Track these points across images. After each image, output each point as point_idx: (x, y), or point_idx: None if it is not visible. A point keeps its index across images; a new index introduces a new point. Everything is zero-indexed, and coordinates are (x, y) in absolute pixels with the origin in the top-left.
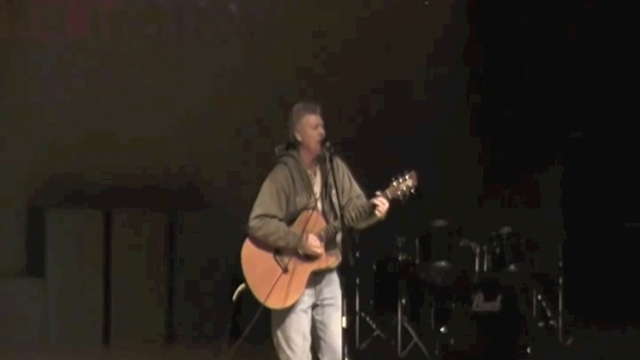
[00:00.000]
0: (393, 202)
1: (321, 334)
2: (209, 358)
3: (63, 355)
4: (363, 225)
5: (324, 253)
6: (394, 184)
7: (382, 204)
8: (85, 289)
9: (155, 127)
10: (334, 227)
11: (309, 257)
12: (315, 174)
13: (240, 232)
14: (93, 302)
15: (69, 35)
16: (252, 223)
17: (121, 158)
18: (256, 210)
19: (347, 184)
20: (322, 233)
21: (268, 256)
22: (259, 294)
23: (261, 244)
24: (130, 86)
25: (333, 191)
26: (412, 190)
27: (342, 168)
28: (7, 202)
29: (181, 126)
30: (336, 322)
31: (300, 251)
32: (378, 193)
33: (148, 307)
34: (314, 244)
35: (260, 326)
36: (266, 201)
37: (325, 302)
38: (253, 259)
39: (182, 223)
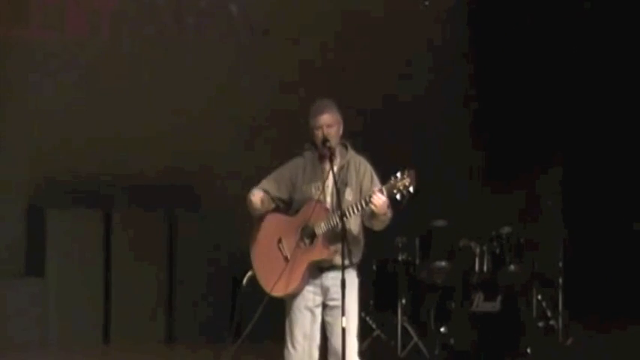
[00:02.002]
0: (392, 200)
1: (328, 334)
2: (209, 359)
3: (63, 355)
4: (375, 225)
5: (323, 245)
6: (392, 181)
7: (378, 198)
8: (85, 289)
9: (155, 126)
10: (334, 220)
11: (308, 247)
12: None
13: (240, 232)
14: (93, 302)
15: (69, 35)
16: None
17: (121, 158)
18: (259, 184)
19: (367, 184)
20: (322, 225)
21: (272, 245)
22: (263, 282)
23: (267, 232)
24: (129, 86)
25: (347, 189)
26: (410, 189)
27: (364, 167)
28: (8, 202)
29: (181, 125)
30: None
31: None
32: (374, 189)
33: (148, 307)
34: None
35: (260, 326)
36: (269, 179)
37: (332, 303)
38: (259, 247)
39: (182, 223)
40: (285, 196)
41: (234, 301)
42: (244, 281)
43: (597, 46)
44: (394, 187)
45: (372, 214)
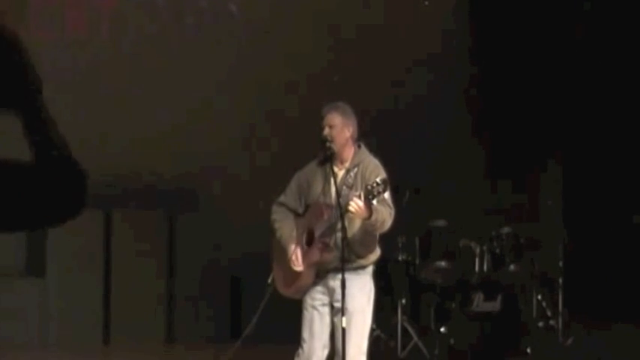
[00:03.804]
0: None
1: (335, 336)
2: (209, 359)
3: (63, 355)
4: (373, 228)
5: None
6: (368, 187)
7: (353, 203)
8: (85, 289)
9: (155, 126)
10: (330, 222)
11: (308, 249)
12: (340, 171)
13: (240, 232)
14: (93, 302)
15: (69, 35)
16: (273, 207)
17: (121, 158)
18: (281, 196)
19: None
20: (319, 227)
21: None
22: (275, 280)
23: None
24: (129, 86)
25: (351, 192)
26: (384, 195)
27: (370, 170)
28: None
29: (181, 125)
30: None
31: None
32: (355, 194)
33: (148, 307)
34: (294, 257)
35: (260, 326)
36: (289, 189)
37: (337, 305)
38: (276, 247)
39: (182, 223)
40: (300, 208)
41: (235, 301)
42: (269, 280)
43: (597, 47)
44: (370, 192)
45: (367, 219)
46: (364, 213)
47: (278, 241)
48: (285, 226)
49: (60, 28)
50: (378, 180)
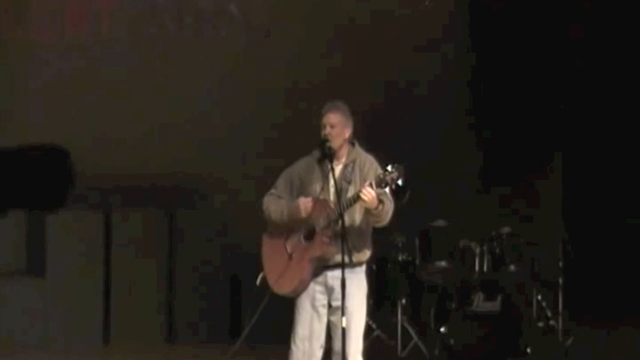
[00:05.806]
0: (394, 196)
1: (332, 335)
2: (209, 358)
3: (63, 355)
4: (371, 221)
5: (328, 242)
6: (380, 175)
7: (367, 192)
8: (85, 289)
9: (155, 126)
10: (333, 216)
11: (308, 244)
12: (337, 167)
13: (240, 232)
14: (93, 302)
15: (69, 35)
16: (264, 199)
17: (121, 158)
18: (271, 189)
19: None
20: (321, 221)
21: (280, 244)
22: (269, 280)
23: (274, 231)
24: (129, 86)
25: (350, 187)
26: (399, 182)
27: (368, 165)
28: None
29: (181, 125)
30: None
31: (297, 215)
32: (366, 183)
33: (148, 307)
34: (302, 203)
35: (260, 326)
36: (279, 184)
37: (335, 303)
38: (268, 246)
39: (182, 223)
40: (293, 198)
41: (234, 301)
42: (258, 281)
43: (597, 47)
44: (383, 180)
45: (366, 210)
46: (375, 201)
47: (276, 228)
48: (282, 201)
49: (60, 28)
50: (388, 168)
